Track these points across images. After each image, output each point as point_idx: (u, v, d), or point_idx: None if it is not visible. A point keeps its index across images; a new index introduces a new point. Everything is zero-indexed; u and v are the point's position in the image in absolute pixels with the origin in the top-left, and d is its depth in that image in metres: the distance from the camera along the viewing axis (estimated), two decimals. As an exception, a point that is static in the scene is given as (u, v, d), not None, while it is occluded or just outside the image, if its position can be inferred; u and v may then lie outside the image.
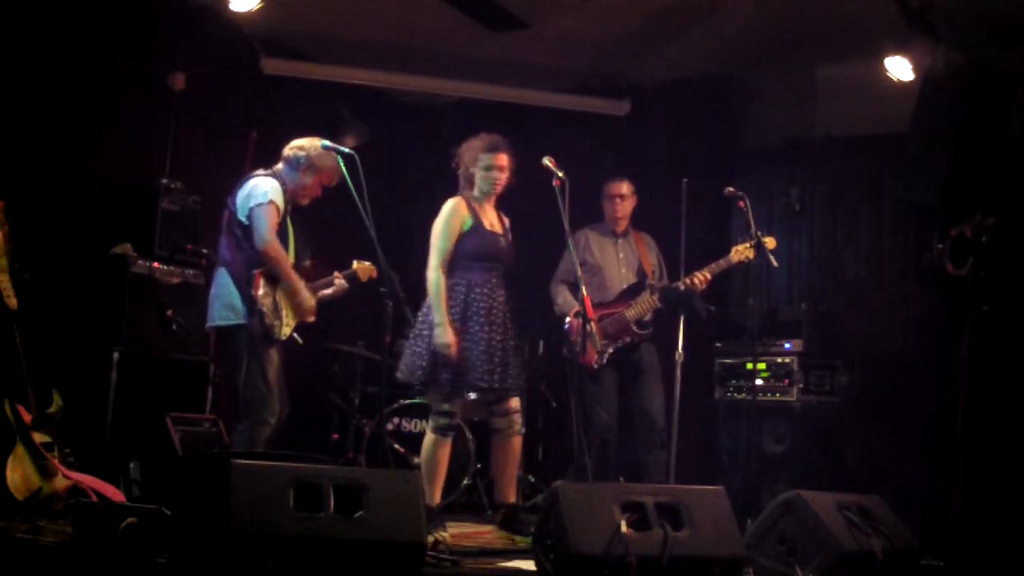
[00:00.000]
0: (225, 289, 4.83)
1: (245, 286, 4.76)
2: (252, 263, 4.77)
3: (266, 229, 4.75)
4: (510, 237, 5.04)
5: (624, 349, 5.71)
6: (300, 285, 4.93)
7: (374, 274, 4.76)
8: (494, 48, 6.95)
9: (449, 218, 4.89)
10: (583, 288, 4.79)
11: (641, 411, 5.73)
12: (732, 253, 5.57)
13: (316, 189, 4.99)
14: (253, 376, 4.78)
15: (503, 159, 4.94)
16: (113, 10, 5.98)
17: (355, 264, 5.27)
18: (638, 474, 5.65)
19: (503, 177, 4.94)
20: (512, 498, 5.01)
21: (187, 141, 6.34)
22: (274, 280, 4.83)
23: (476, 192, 4.96)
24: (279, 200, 4.83)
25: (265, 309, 4.75)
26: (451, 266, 4.86)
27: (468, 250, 4.87)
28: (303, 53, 7.19)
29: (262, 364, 4.79)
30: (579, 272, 4.94)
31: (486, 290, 4.86)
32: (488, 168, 4.92)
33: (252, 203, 4.79)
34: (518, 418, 4.97)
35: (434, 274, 4.84)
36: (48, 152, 5.67)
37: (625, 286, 5.80)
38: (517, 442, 4.99)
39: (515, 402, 4.96)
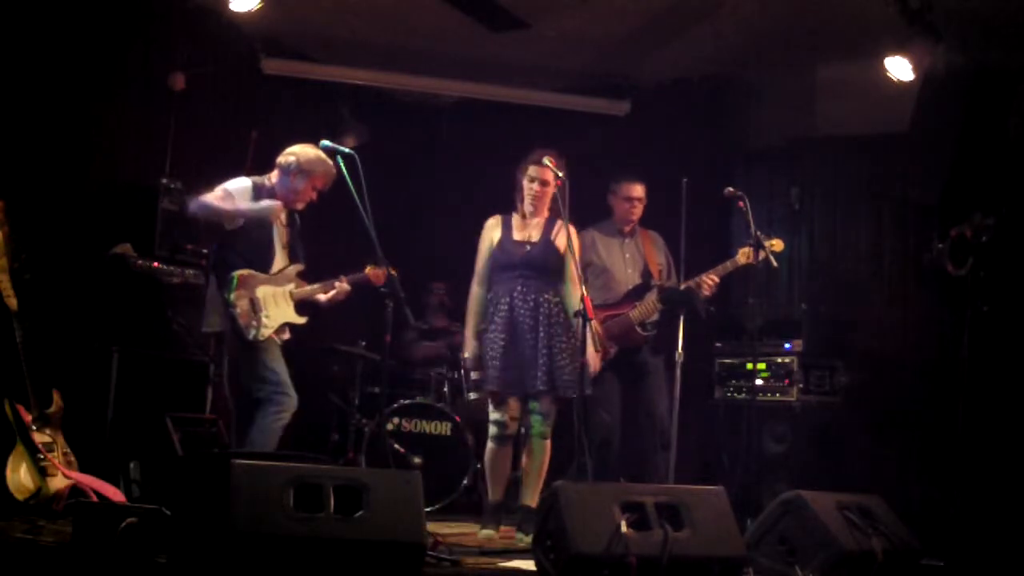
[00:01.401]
0: (214, 295, 4.97)
1: (225, 290, 4.88)
2: (230, 267, 4.89)
3: (201, 198, 4.90)
4: (552, 243, 5.11)
5: (628, 350, 5.69)
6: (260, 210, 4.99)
7: (394, 272, 4.81)
8: (494, 48, 6.95)
9: (481, 238, 5.24)
10: (583, 288, 4.80)
11: (647, 413, 5.72)
12: (739, 255, 5.53)
13: (309, 193, 5.10)
14: (255, 372, 4.91)
15: (544, 173, 5.07)
16: (113, 10, 5.98)
17: (368, 269, 5.28)
18: (640, 476, 5.65)
19: (538, 190, 5.09)
20: (529, 501, 5.02)
21: (187, 141, 6.33)
22: (251, 283, 4.92)
23: (525, 204, 5.16)
24: (238, 190, 4.96)
25: (238, 311, 4.83)
26: (491, 281, 5.16)
27: (496, 263, 5.16)
28: (303, 53, 7.19)
29: (260, 359, 4.91)
30: (579, 272, 4.93)
31: (508, 299, 5.04)
32: (531, 180, 5.13)
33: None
34: (536, 420, 5.00)
35: (472, 288, 5.21)
36: (48, 152, 5.67)
37: (631, 287, 5.79)
38: (540, 444, 5.04)
39: (540, 403, 4.99)
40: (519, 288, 5.06)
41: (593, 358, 4.94)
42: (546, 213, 5.18)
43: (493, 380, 5.01)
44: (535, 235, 5.15)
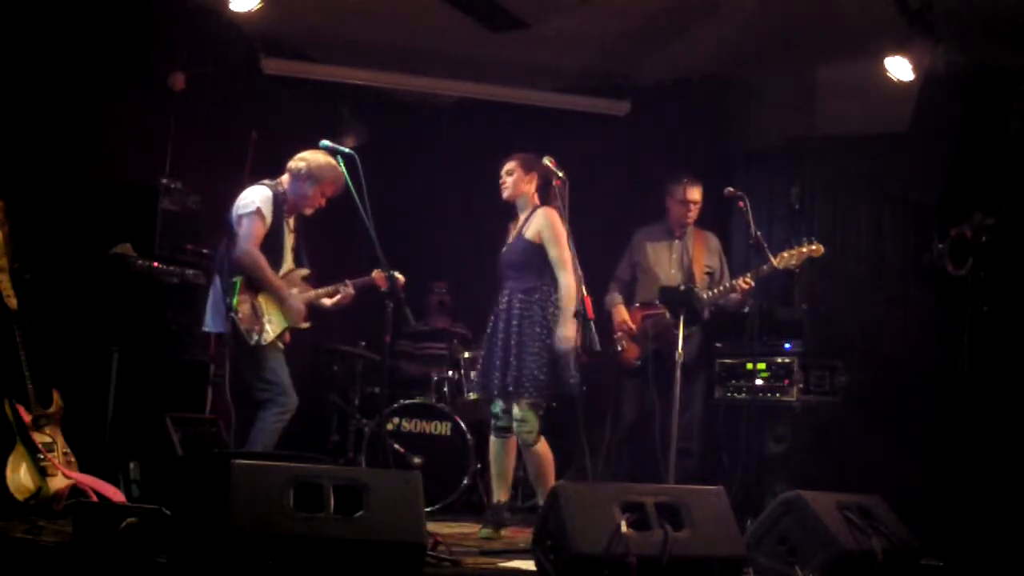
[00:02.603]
0: (217, 296, 4.99)
1: (228, 295, 4.90)
2: (233, 271, 4.91)
3: (246, 239, 4.93)
4: (523, 238, 5.08)
5: (662, 350, 5.68)
6: (285, 292, 5.05)
7: (400, 277, 4.83)
8: (494, 48, 6.95)
9: None
10: (583, 288, 4.80)
11: (672, 414, 5.71)
12: (777, 259, 5.46)
13: (317, 199, 5.14)
14: (258, 374, 4.95)
15: (505, 165, 5.15)
16: (113, 10, 5.98)
17: (375, 273, 5.29)
18: (656, 474, 5.64)
19: (503, 181, 5.13)
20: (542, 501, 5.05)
21: (187, 141, 6.33)
22: (254, 287, 4.92)
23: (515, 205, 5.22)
24: (267, 208, 4.99)
25: (240, 316, 4.85)
26: None
27: None
28: (303, 53, 7.20)
29: (263, 362, 4.94)
30: (579, 272, 4.93)
31: (498, 302, 5.10)
32: (500, 179, 5.18)
33: (240, 212, 4.98)
34: (513, 424, 5.00)
35: None
36: (48, 152, 5.67)
37: (681, 288, 5.79)
38: (525, 452, 5.04)
39: (519, 407, 4.97)
40: (504, 293, 5.10)
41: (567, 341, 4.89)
42: (535, 203, 5.14)
43: (477, 383, 5.14)
44: (512, 236, 5.17)
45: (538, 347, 4.92)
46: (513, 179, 5.10)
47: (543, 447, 5.00)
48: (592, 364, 5.20)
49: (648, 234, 5.99)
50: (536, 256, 5.02)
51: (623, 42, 6.81)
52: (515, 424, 4.97)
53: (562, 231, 4.90)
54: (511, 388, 4.92)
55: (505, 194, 5.15)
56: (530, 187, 5.13)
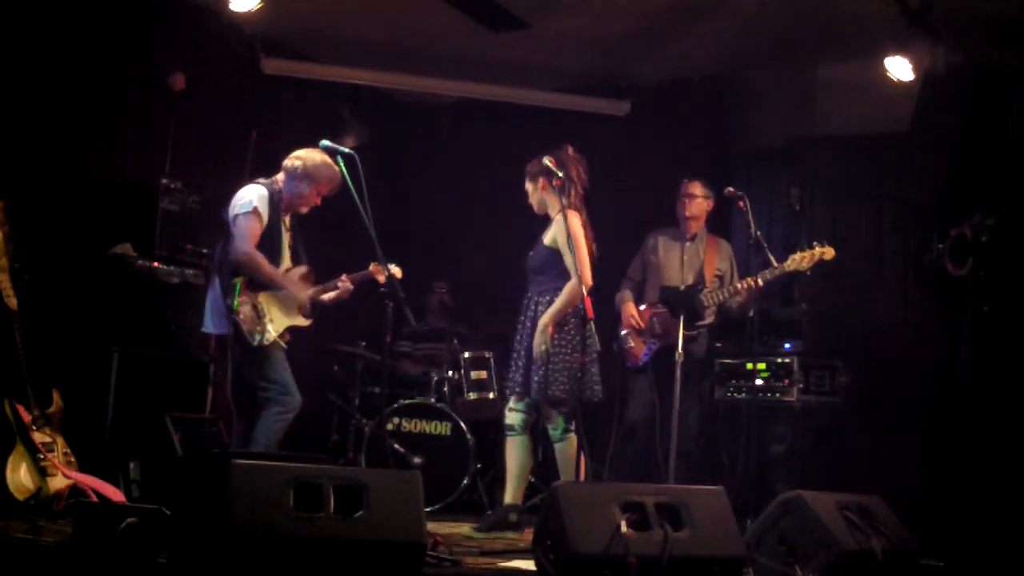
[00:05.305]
0: (216, 297, 4.97)
1: (228, 296, 4.88)
2: (233, 272, 4.89)
3: (243, 239, 4.90)
4: (542, 244, 5.14)
5: (669, 348, 5.67)
6: (288, 282, 5.04)
7: (398, 274, 4.82)
8: (494, 48, 6.95)
9: None
10: (583, 288, 4.80)
11: (676, 413, 5.72)
12: (788, 261, 5.46)
13: (313, 198, 5.12)
14: (261, 374, 4.93)
15: (528, 173, 5.19)
16: (113, 10, 5.98)
17: (372, 266, 5.29)
18: (656, 473, 5.65)
19: (527, 189, 5.19)
20: None
21: (187, 141, 6.34)
22: (255, 287, 4.91)
23: None
24: (263, 208, 4.96)
25: (242, 317, 4.84)
26: None
27: None
28: (303, 53, 7.20)
29: (265, 362, 4.92)
30: (581, 263, 4.94)
31: (525, 306, 5.16)
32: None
33: (236, 211, 4.95)
34: (551, 422, 5.07)
35: None
36: (48, 152, 5.67)
37: (682, 288, 5.80)
38: (561, 446, 5.08)
39: (548, 407, 5.05)
40: (528, 295, 5.17)
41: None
42: (553, 215, 5.16)
43: (515, 383, 5.12)
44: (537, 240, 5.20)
45: (561, 352, 4.98)
46: (530, 192, 5.17)
47: (570, 444, 5.07)
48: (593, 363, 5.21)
49: (661, 235, 6.00)
50: (553, 261, 5.06)
51: (623, 42, 6.81)
52: (548, 422, 5.06)
53: (578, 233, 4.95)
54: (525, 388, 5.01)
55: (532, 202, 5.19)
56: (546, 192, 5.12)
